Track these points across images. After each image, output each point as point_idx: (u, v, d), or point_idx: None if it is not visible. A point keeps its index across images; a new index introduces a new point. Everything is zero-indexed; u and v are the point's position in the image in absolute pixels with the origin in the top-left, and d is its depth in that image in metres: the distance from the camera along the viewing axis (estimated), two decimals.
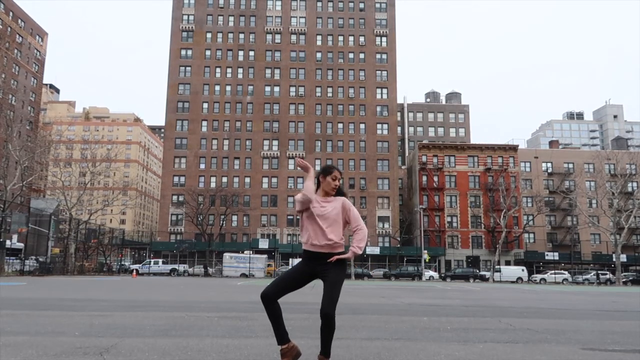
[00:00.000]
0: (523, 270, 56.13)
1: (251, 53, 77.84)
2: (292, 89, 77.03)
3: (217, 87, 76.49)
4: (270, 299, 3.86)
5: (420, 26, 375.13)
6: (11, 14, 79.98)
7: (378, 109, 76.21)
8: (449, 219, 71.43)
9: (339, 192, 4.09)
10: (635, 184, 69.99)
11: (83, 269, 43.21)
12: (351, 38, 78.71)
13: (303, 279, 3.98)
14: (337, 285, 3.85)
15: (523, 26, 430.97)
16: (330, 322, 3.72)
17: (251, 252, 55.47)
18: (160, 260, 56.26)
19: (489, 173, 72.23)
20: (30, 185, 53.25)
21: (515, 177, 72.05)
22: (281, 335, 3.89)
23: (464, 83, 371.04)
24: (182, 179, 72.59)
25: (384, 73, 77.65)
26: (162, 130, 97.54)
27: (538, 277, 55.92)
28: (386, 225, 72.07)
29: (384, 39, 78.77)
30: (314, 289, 20.38)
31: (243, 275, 49.67)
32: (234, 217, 70.70)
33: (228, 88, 76.54)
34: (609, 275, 55.66)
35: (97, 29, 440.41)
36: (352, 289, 22.13)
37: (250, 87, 76.75)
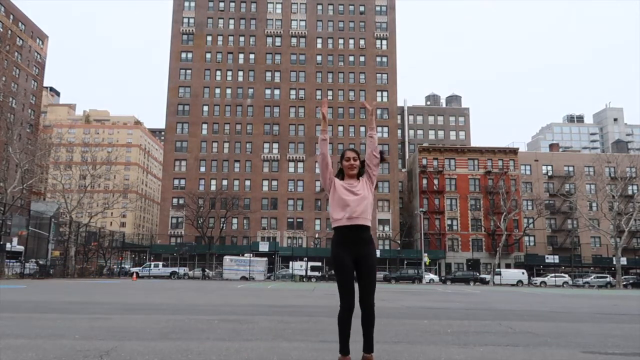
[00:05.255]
0: (523, 273, 56.08)
1: (251, 56, 77.95)
2: (293, 91, 77.10)
3: (218, 90, 76.57)
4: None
5: (421, 29, 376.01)
6: (12, 16, 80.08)
7: (378, 111, 76.20)
8: (449, 222, 71.38)
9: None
10: (635, 187, 69.92)
11: (83, 272, 43.17)
12: (351, 41, 78.82)
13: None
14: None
15: (524, 29, 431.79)
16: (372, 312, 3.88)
17: (251, 255, 55.43)
18: (161, 263, 56.16)
19: (489, 176, 72.22)
20: (30, 188, 53.29)
21: (516, 180, 72.05)
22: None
23: (464, 86, 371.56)
24: (183, 181, 72.62)
25: (384, 76, 77.73)
26: (163, 133, 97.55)
27: (538, 280, 55.87)
28: (386, 228, 72.04)
29: (384, 42, 78.88)
30: (314, 292, 20.36)
31: (243, 278, 49.63)
32: (234, 220, 70.67)
33: (228, 91, 76.62)
34: (609, 278, 55.59)
35: (98, 31, 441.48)
36: None
37: (251, 90, 76.83)
